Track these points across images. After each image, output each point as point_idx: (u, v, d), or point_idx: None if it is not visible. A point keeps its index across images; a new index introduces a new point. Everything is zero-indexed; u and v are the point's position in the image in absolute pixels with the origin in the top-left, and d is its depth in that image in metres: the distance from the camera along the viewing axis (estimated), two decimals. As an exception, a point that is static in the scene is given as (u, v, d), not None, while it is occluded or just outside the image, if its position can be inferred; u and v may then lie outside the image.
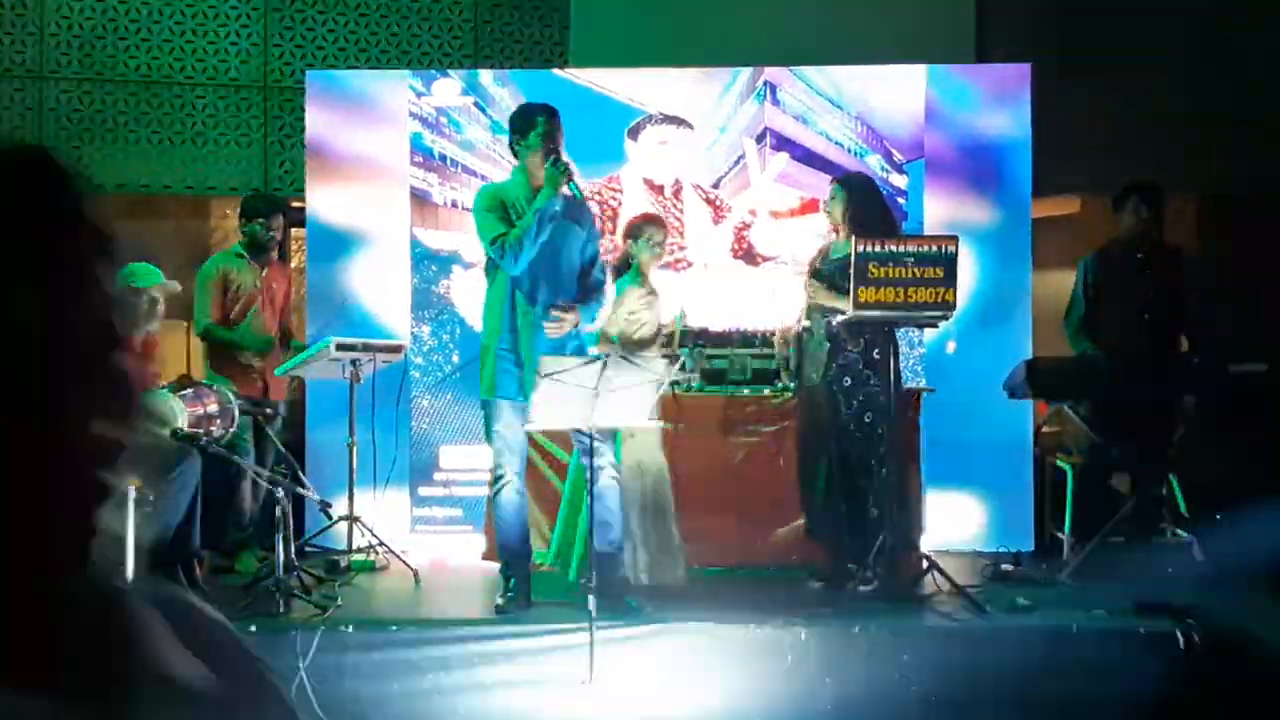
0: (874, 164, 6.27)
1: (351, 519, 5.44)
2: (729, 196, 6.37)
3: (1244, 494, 4.98)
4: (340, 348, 5.38)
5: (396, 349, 5.69)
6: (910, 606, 4.61)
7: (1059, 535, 5.75)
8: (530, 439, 5.01)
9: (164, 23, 6.81)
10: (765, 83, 6.36)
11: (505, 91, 6.34)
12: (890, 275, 4.64)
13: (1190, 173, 6.54)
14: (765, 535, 5.29)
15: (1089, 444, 5.52)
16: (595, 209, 5.07)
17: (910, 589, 4.73)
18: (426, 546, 5.84)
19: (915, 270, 4.64)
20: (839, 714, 4.15)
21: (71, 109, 6.76)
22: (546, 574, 5.26)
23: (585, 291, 4.62)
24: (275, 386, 5.64)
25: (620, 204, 6.31)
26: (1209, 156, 6.60)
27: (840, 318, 4.83)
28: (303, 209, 6.38)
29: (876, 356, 4.91)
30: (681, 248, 6.23)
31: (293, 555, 4.71)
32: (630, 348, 4.87)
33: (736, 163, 6.38)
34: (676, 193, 6.36)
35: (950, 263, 4.65)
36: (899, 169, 6.34)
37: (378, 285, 6.29)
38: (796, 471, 5.13)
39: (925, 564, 4.81)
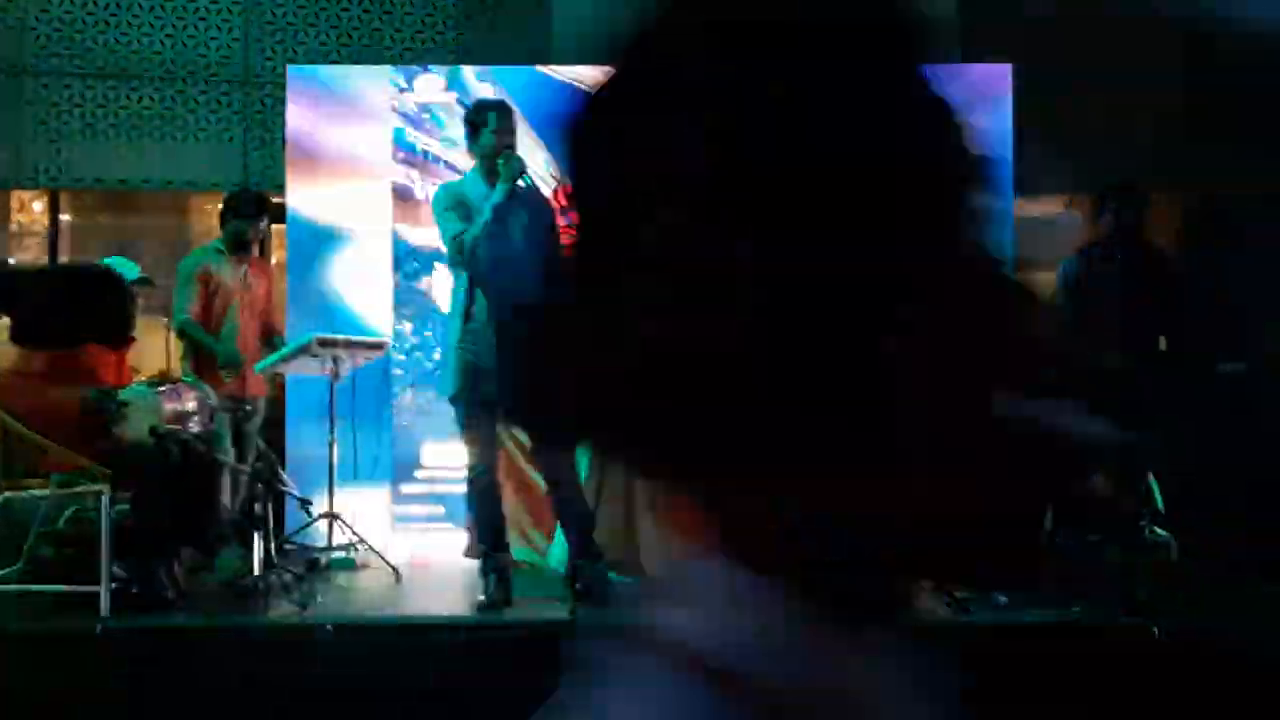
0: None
1: (332, 516, 5.41)
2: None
3: (1223, 492, 5.02)
4: (322, 344, 5.35)
5: (378, 346, 5.67)
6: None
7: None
8: (515, 438, 5.04)
9: (144, 17, 6.76)
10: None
11: (488, 87, 6.32)
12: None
13: (1171, 174, 6.57)
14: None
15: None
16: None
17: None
18: (408, 544, 5.81)
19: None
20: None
21: (50, 103, 6.71)
22: (527, 570, 5.26)
23: (547, 280, 4.62)
24: (256, 383, 5.61)
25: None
26: (1190, 157, 6.64)
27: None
28: (283, 205, 6.34)
29: None
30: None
31: (272, 553, 4.69)
32: None
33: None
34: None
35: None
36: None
37: (359, 282, 6.26)
38: None
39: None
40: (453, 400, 4.69)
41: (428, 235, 6.20)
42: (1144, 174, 5.81)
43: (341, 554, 5.40)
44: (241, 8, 6.84)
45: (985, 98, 6.29)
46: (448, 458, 6.04)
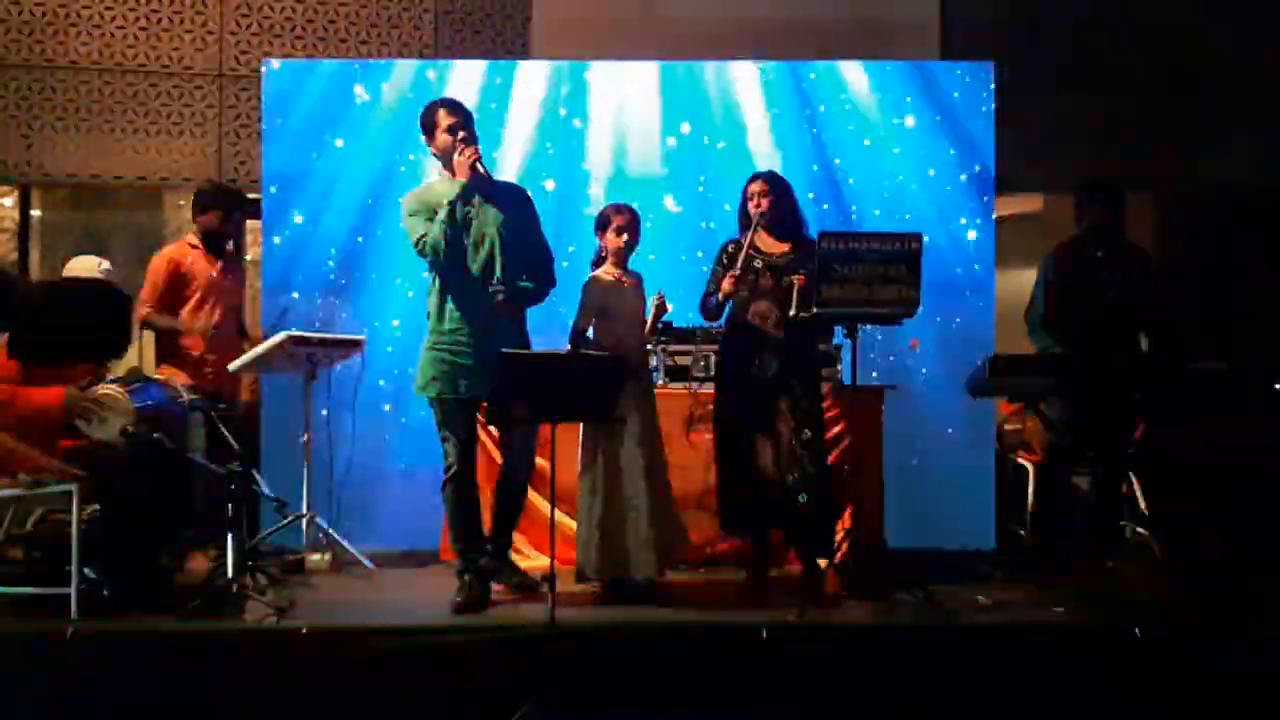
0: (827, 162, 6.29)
1: (307, 517, 5.35)
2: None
3: (1204, 491, 5.01)
4: (296, 342, 5.28)
5: (355, 344, 5.60)
6: (872, 605, 4.59)
7: (1020, 533, 5.77)
8: (494, 435, 5.01)
9: (117, 9, 6.67)
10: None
11: (466, 84, 6.26)
12: (854, 273, 4.62)
13: (1151, 171, 6.58)
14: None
15: (1050, 442, 5.53)
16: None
17: (872, 586, 4.72)
18: (384, 544, 5.74)
19: (879, 268, 4.62)
20: (800, 714, 4.12)
21: (20, 96, 6.61)
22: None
23: (524, 270, 4.68)
24: (231, 382, 5.54)
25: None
26: (1170, 155, 6.65)
27: (804, 314, 4.83)
28: (258, 200, 6.27)
29: (820, 349, 5.09)
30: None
31: (246, 554, 4.62)
32: (605, 340, 4.81)
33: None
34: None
35: (914, 260, 4.65)
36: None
37: (338, 278, 6.20)
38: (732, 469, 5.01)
39: (888, 562, 4.82)
40: (429, 400, 4.68)
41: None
42: (1123, 171, 5.81)
43: (317, 555, 5.34)
44: (216, 0, 6.76)
45: (967, 94, 6.28)
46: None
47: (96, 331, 4.16)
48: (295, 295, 6.03)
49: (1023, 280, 6.01)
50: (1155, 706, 4.09)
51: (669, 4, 6.62)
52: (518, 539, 5.50)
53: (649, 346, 5.06)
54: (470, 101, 5.63)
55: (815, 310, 4.71)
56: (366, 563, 5.28)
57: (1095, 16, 6.84)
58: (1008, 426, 6.10)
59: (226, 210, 5.56)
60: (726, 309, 4.97)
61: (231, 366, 5.34)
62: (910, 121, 6.30)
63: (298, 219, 6.15)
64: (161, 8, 6.71)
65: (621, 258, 4.93)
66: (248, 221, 6.86)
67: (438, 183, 4.71)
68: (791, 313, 4.79)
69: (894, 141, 6.31)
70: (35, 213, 7.25)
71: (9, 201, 7.30)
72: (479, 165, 4.55)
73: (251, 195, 6.37)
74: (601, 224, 4.95)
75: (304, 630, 4.18)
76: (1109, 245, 5.45)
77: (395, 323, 6.16)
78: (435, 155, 4.74)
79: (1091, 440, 5.32)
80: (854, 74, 6.33)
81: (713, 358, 5.39)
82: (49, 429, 4.54)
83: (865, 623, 4.40)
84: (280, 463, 5.78)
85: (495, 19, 6.84)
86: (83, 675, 4.06)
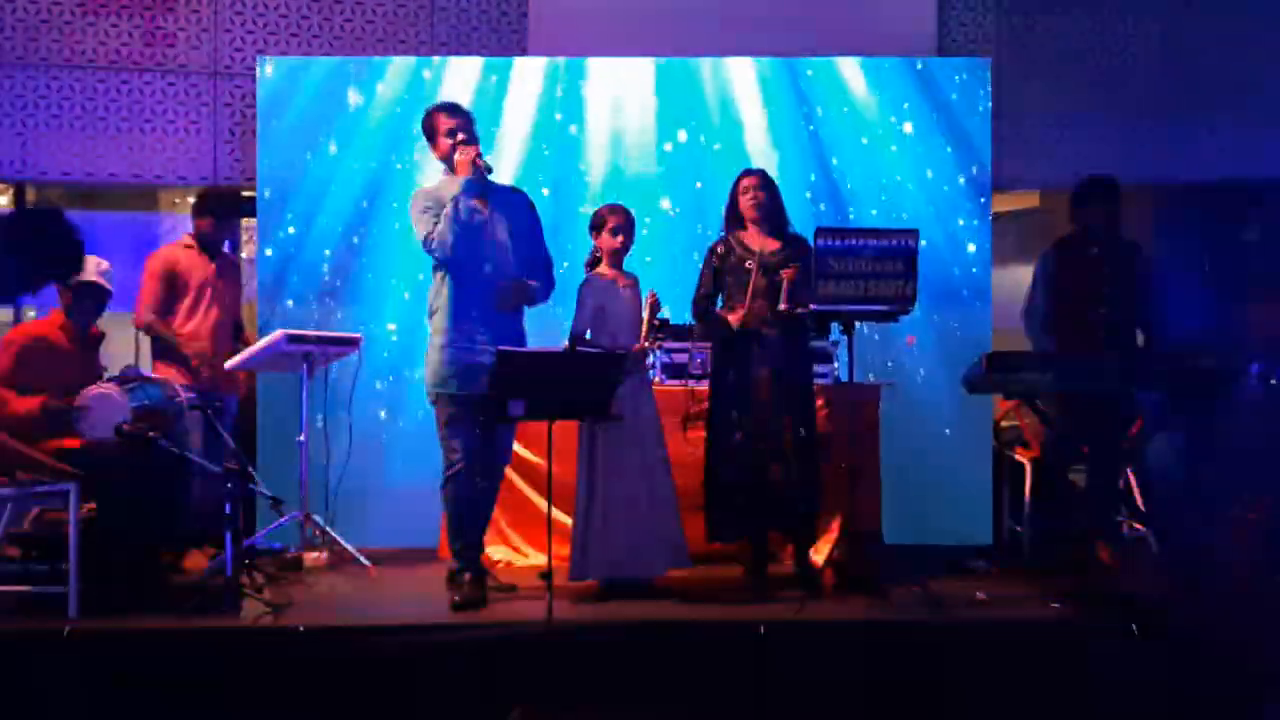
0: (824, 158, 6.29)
1: (304, 515, 5.35)
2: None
3: (1199, 487, 5.02)
4: (292, 340, 5.27)
5: (351, 342, 5.59)
6: (868, 601, 4.60)
7: (1017, 529, 5.78)
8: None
9: (110, 6, 6.64)
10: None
11: (461, 80, 6.26)
12: (851, 269, 4.63)
13: (1148, 168, 6.58)
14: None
15: (1047, 438, 5.53)
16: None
17: (870, 583, 4.72)
18: (381, 543, 5.74)
19: (875, 264, 4.63)
20: (798, 710, 4.12)
21: (14, 95, 6.58)
22: (503, 570, 5.23)
23: (528, 271, 4.73)
24: (227, 380, 5.52)
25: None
26: (1167, 152, 6.65)
27: (800, 309, 4.84)
28: (253, 199, 6.25)
29: (812, 347, 5.12)
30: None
31: (243, 553, 4.62)
32: (603, 341, 4.82)
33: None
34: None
35: (910, 257, 4.66)
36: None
37: (332, 277, 6.20)
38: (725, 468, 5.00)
39: (886, 558, 4.83)
40: (438, 397, 4.67)
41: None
42: (1120, 169, 5.81)
43: (314, 554, 5.33)
44: (211, -2, 6.74)
45: (964, 91, 6.28)
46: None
47: (49, 253, 4.14)
48: (290, 303, 6.02)
49: (1019, 277, 6.02)
50: (1151, 701, 4.11)
51: (665, 1, 6.62)
52: (515, 537, 5.50)
53: (646, 345, 5.05)
54: (466, 101, 5.65)
55: (810, 306, 4.71)
56: (363, 561, 5.27)
57: (1091, 13, 6.84)
58: (1005, 423, 6.11)
59: (221, 216, 5.55)
60: (718, 303, 4.98)
61: (229, 364, 5.34)
62: (907, 120, 6.31)
63: (291, 230, 6.15)
64: (155, 5, 6.68)
65: (617, 258, 4.93)
66: (243, 220, 6.84)
67: (446, 182, 4.73)
68: (781, 305, 4.78)
69: (891, 139, 6.31)
70: (30, 211, 7.23)
71: (3, 200, 7.27)
72: (479, 161, 4.58)
73: (247, 193, 6.35)
74: (596, 225, 4.95)
75: (301, 629, 4.18)
76: (1106, 242, 5.45)
77: (391, 326, 6.16)
78: (439, 159, 4.76)
79: (1088, 437, 5.33)
80: (851, 71, 6.34)
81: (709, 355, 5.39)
82: (45, 427, 4.53)
83: (862, 619, 4.40)
84: (277, 461, 5.78)
85: (491, 15, 6.83)
86: (80, 674, 4.05)
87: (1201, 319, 5.88)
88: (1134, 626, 4.19)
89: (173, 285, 5.45)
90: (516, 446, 5.39)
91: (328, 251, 6.17)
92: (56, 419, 4.51)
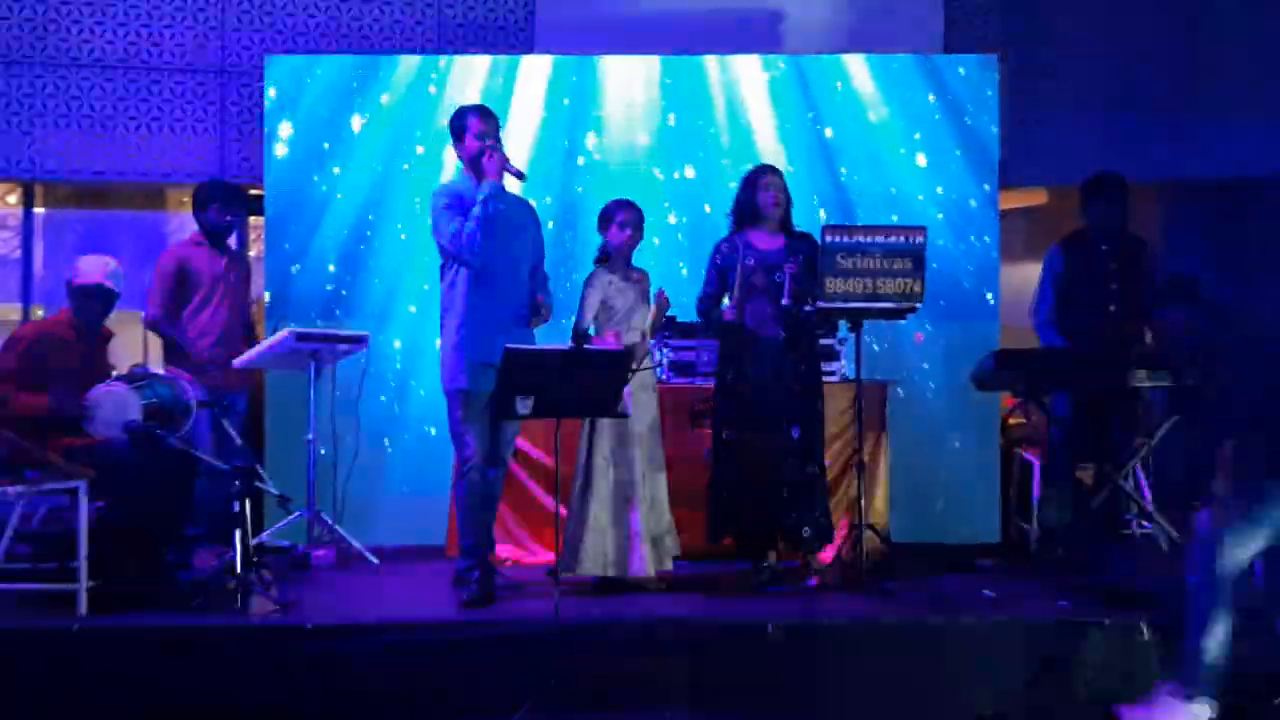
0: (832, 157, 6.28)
1: (312, 513, 5.36)
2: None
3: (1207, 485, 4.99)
4: (300, 338, 5.28)
5: (359, 339, 5.60)
6: (875, 599, 4.59)
7: (1025, 527, 5.77)
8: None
9: (119, 5, 6.66)
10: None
11: (469, 78, 6.26)
12: (858, 266, 4.62)
13: (1155, 165, 6.56)
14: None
15: (1051, 436, 5.52)
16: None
17: (875, 581, 4.72)
18: (390, 541, 5.74)
19: (883, 262, 4.63)
20: (805, 711, 4.12)
21: (24, 93, 6.60)
22: (510, 568, 5.23)
23: (535, 287, 4.79)
24: (235, 378, 5.53)
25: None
26: (1175, 148, 6.63)
27: (806, 307, 4.84)
28: (261, 197, 6.26)
29: (823, 344, 5.15)
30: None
31: (252, 551, 4.62)
32: (607, 335, 4.83)
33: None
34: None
35: (918, 254, 4.65)
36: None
37: (339, 275, 6.21)
38: (734, 468, 4.98)
39: (893, 557, 4.83)
40: (450, 394, 4.68)
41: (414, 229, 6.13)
42: (1127, 165, 5.80)
43: (322, 552, 5.34)
44: (218, -4, 6.75)
45: (971, 87, 6.27)
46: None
47: None
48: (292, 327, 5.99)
49: (1027, 274, 6.01)
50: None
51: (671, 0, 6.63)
52: (522, 534, 5.51)
53: (652, 342, 5.06)
54: (473, 99, 5.65)
55: (817, 304, 4.71)
56: (371, 559, 5.28)
57: (1098, 8, 6.82)
58: (1012, 420, 6.09)
59: (224, 202, 5.55)
60: (724, 302, 4.98)
61: (237, 363, 5.35)
62: (914, 117, 6.29)
63: (295, 239, 6.16)
64: (164, 4, 6.69)
65: (625, 254, 4.92)
66: (250, 219, 6.86)
67: (466, 181, 4.73)
68: (784, 301, 4.78)
69: (897, 135, 6.29)
70: (38, 210, 7.25)
71: (12, 199, 7.30)
72: (509, 168, 4.61)
73: (254, 192, 6.36)
74: (605, 220, 4.95)
75: (309, 626, 4.19)
76: (1113, 239, 5.44)
77: (397, 344, 6.16)
78: (463, 159, 4.76)
79: (1096, 434, 5.32)
80: (857, 68, 6.32)
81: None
82: (54, 425, 4.54)
83: (869, 617, 4.39)
84: (285, 460, 5.79)
85: (498, 13, 6.83)
86: (89, 672, 4.06)
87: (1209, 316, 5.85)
88: (1142, 625, 4.18)
89: (184, 283, 5.45)
90: (524, 444, 5.40)
91: (332, 268, 6.18)
92: (65, 415, 4.52)
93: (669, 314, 5.21)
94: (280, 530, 5.44)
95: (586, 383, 4.10)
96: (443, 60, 6.34)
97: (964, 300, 6.20)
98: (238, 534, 4.39)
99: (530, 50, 6.69)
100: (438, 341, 4.75)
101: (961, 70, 6.32)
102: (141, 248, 6.96)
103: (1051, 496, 5.49)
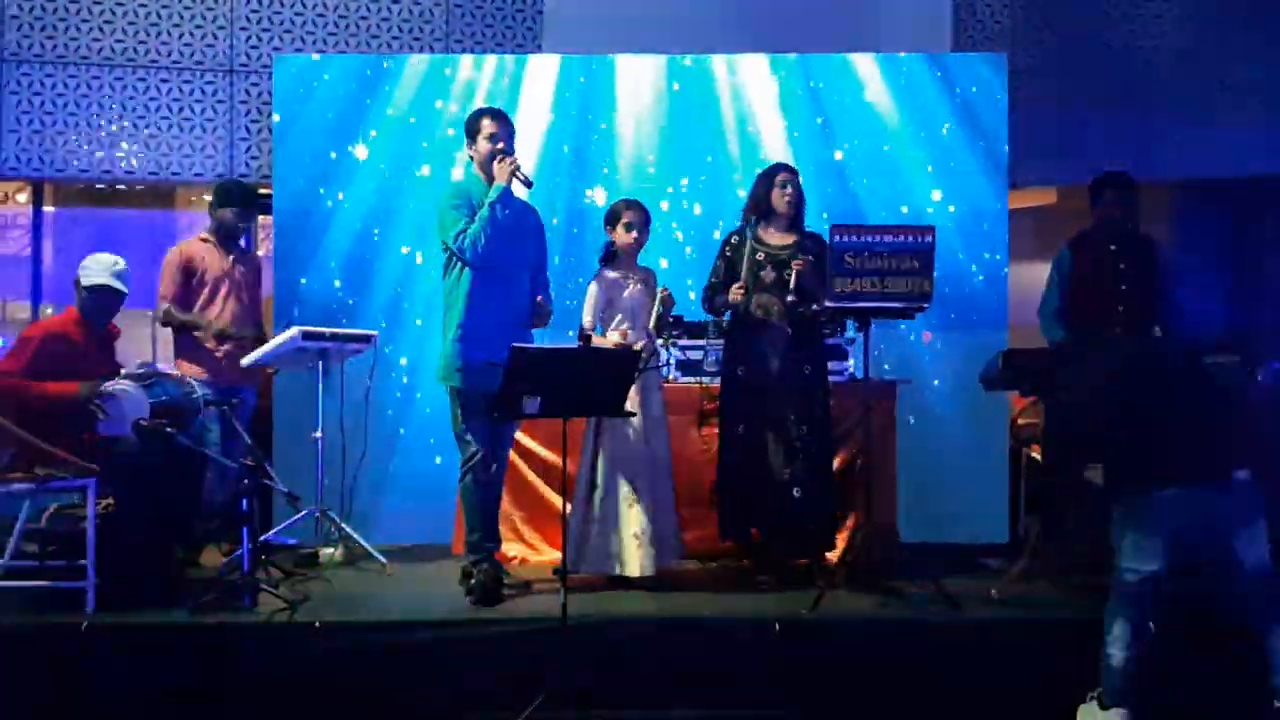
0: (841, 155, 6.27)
1: (320, 511, 5.36)
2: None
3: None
4: (307, 337, 5.29)
5: (366, 339, 5.60)
6: (882, 599, 4.58)
7: (1033, 527, 5.75)
8: (515, 441, 5.05)
9: (128, 4, 6.67)
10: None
11: (479, 77, 6.26)
12: (867, 265, 4.62)
13: (1165, 163, 6.54)
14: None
15: (1049, 435, 5.50)
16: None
17: (885, 581, 4.71)
18: (398, 539, 5.75)
19: (892, 260, 4.62)
20: (812, 709, 4.12)
21: (33, 92, 6.62)
22: (517, 566, 5.23)
23: (536, 289, 4.84)
24: (243, 376, 5.53)
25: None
26: (1184, 146, 6.61)
27: (814, 305, 4.85)
28: (269, 195, 6.27)
29: (827, 343, 5.14)
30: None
31: (260, 549, 4.63)
32: (611, 334, 4.84)
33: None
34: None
35: (927, 253, 4.64)
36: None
37: (346, 274, 6.21)
38: (741, 466, 4.97)
39: (901, 556, 4.82)
40: (455, 391, 4.71)
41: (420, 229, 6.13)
42: (1136, 163, 5.78)
43: (330, 550, 5.34)
44: (226, -5, 6.76)
45: (979, 87, 6.25)
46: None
47: None
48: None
49: (1036, 274, 5.99)
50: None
51: (680, -2, 6.63)
52: (528, 533, 5.50)
53: (658, 341, 5.06)
54: (481, 99, 5.65)
55: (826, 302, 4.70)
56: (379, 557, 5.28)
57: (1107, 6, 6.80)
58: (1021, 420, 6.07)
59: (244, 205, 5.56)
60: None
61: (245, 361, 5.35)
62: (922, 115, 6.28)
63: (304, 244, 6.17)
64: (172, 2, 6.70)
65: (630, 253, 4.93)
66: (259, 217, 6.86)
67: (475, 181, 4.78)
68: (790, 298, 4.78)
69: (905, 134, 6.28)
70: (48, 209, 7.27)
71: (22, 198, 7.32)
72: (519, 174, 4.64)
73: (263, 190, 6.36)
74: (611, 219, 4.95)
75: (317, 624, 4.19)
76: (1123, 238, 5.42)
77: (404, 360, 6.16)
78: (473, 159, 4.80)
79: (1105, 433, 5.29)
80: (866, 67, 6.31)
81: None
82: (64, 422, 4.55)
83: (876, 616, 4.38)
84: (293, 458, 5.79)
85: (507, 11, 6.83)
86: (97, 669, 4.07)
87: (1220, 315, 5.85)
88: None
89: (189, 278, 5.46)
90: (531, 443, 5.41)
91: (338, 283, 6.18)
92: (80, 408, 4.52)
93: (675, 312, 5.22)
94: (288, 528, 5.45)
95: (592, 382, 4.10)
96: (448, 68, 6.31)
97: (973, 300, 6.20)
98: (246, 532, 4.40)
99: (539, 48, 6.69)
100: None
101: (970, 69, 6.30)
102: (150, 246, 6.96)
103: (1059, 496, 5.47)
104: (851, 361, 5.57)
